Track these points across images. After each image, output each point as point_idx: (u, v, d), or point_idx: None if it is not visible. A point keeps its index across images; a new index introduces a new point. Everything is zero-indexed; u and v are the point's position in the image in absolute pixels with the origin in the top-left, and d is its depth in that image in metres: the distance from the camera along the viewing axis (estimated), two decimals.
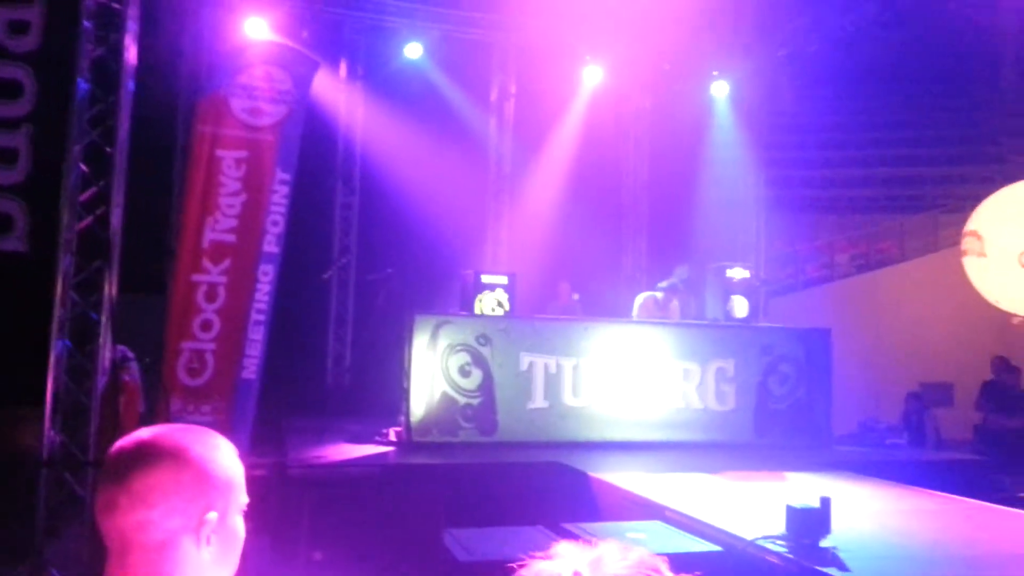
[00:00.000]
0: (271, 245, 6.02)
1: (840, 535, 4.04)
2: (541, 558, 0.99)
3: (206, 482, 1.15)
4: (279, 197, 6.13)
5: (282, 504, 5.42)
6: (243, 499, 1.22)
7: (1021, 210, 11.52)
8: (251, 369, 5.69)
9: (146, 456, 1.13)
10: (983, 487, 6.55)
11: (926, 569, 4.03)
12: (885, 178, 17.59)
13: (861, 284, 13.48)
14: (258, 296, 5.85)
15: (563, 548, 1.00)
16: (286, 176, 6.21)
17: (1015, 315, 11.61)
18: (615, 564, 0.97)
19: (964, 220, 12.20)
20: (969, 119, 17.83)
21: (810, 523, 4.04)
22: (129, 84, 5.77)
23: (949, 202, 14.99)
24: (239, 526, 1.21)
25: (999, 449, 8.45)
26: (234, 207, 6.01)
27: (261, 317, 5.83)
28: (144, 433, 1.18)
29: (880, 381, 11.37)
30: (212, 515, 1.14)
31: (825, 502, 4.08)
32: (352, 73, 10.95)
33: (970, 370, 10.44)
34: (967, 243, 11.85)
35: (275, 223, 6.07)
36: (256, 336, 5.75)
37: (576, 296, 9.64)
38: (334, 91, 10.60)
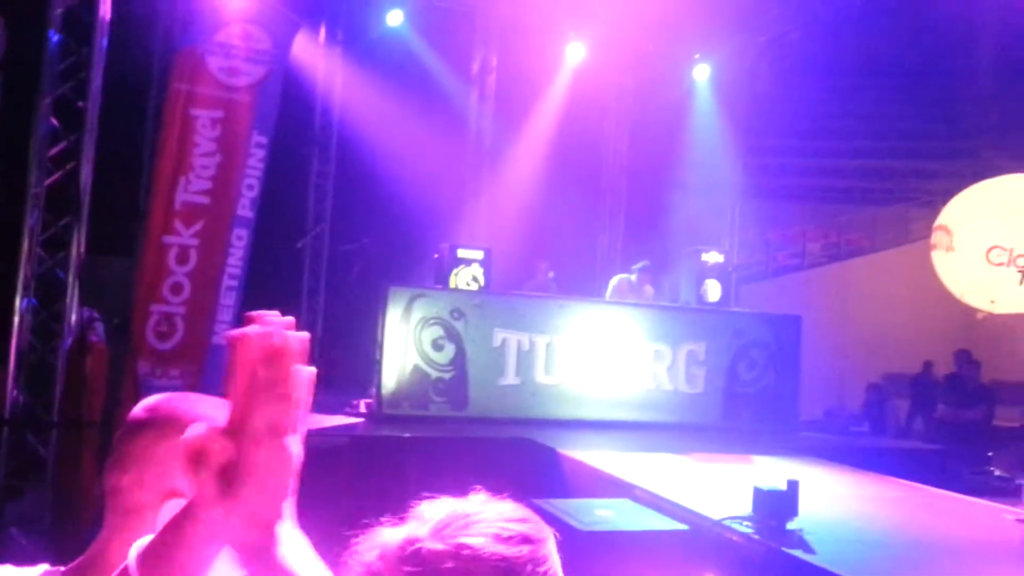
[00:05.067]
0: (246, 209, 5.90)
1: (806, 518, 4.08)
2: (391, 524, 0.90)
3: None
4: (255, 160, 6.00)
5: None
6: None
7: (991, 207, 11.71)
8: (222, 335, 5.58)
9: (140, 421, 1.09)
10: (942, 476, 6.69)
11: (888, 553, 4.11)
12: (858, 169, 17.78)
13: (831, 273, 13.66)
14: (231, 261, 5.74)
15: (424, 507, 0.90)
16: (263, 139, 6.08)
17: (979, 310, 11.86)
18: (469, 528, 0.86)
19: (934, 214, 12.38)
20: (944, 114, 18.05)
21: (777, 505, 4.08)
22: (103, 37, 5.60)
23: (920, 196, 15.20)
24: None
25: (958, 440, 8.64)
26: (208, 168, 5.88)
27: (234, 283, 5.72)
28: (155, 397, 1.12)
29: (846, 370, 11.57)
30: (179, 503, 1.06)
31: (792, 485, 4.12)
32: (332, 38, 10.74)
33: (934, 362, 10.65)
34: (936, 237, 12.03)
35: (250, 187, 5.95)
36: (228, 302, 5.64)
37: (552, 274, 9.63)
38: (313, 56, 10.40)
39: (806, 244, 14.60)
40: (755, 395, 8.15)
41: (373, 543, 0.87)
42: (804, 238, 14.71)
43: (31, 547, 4.36)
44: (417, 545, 0.84)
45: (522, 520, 0.90)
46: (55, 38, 5.33)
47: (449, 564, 0.82)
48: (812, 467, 6.08)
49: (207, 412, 1.10)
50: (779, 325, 8.43)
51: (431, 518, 0.88)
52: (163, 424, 1.08)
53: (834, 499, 5.05)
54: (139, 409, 1.11)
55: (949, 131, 17.58)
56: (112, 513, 1.07)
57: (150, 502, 1.05)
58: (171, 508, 1.04)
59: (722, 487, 5.02)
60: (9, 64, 5.40)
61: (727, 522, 4.12)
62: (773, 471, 5.47)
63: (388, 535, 0.87)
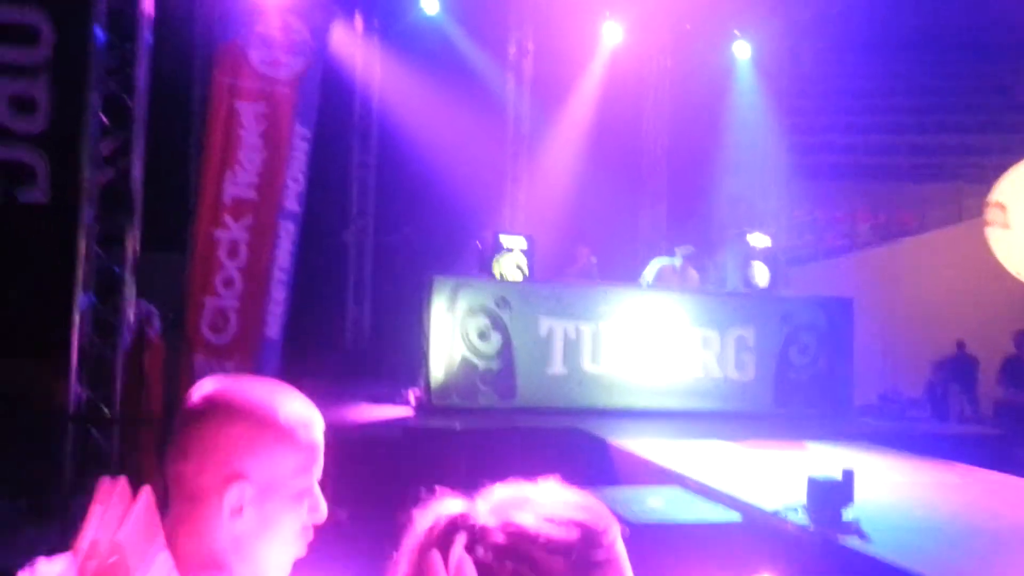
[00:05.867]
0: (292, 202, 5.93)
1: (862, 506, 4.01)
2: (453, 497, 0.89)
3: (250, 445, 1.04)
4: (299, 153, 6.02)
5: None
6: (309, 476, 1.08)
7: None
8: (275, 328, 5.64)
9: (198, 408, 1.07)
10: (1004, 462, 6.50)
11: (949, 541, 4.01)
12: (908, 146, 17.26)
13: (882, 254, 13.29)
14: (279, 254, 5.78)
15: (497, 490, 0.89)
16: (306, 131, 6.10)
17: None
18: (523, 507, 0.85)
19: (988, 191, 11.99)
20: (996, 87, 17.44)
21: (832, 494, 4.01)
22: (147, 33, 5.66)
23: (973, 172, 14.72)
24: (290, 508, 1.06)
25: (1020, 424, 8.39)
26: (254, 162, 5.92)
27: (283, 276, 5.77)
28: (209, 383, 1.10)
29: (900, 354, 11.26)
30: (243, 485, 1.03)
31: (848, 474, 4.04)
32: (368, 26, 10.73)
33: (992, 344, 10.33)
34: (991, 214, 11.65)
35: (295, 180, 5.98)
36: (279, 295, 5.69)
37: (594, 259, 9.54)
38: (350, 45, 10.40)
39: (856, 224, 14.25)
40: (807, 381, 8.00)
41: (433, 509, 0.88)
42: (854, 218, 14.35)
43: None
44: (472, 517, 0.85)
45: (581, 507, 0.89)
46: (101, 36, 5.38)
47: (497, 538, 0.83)
48: (868, 453, 5.95)
49: (262, 397, 1.09)
50: (831, 308, 8.25)
51: (494, 496, 0.89)
52: (221, 411, 1.07)
53: (891, 486, 4.95)
54: (195, 397, 1.10)
55: (1000, 104, 16.97)
56: (177, 500, 1.08)
57: (214, 487, 1.05)
58: (236, 492, 1.04)
59: (774, 475, 4.95)
60: (58, 63, 5.48)
61: (781, 512, 4.06)
62: (827, 458, 5.38)
63: (449, 505, 0.88)
